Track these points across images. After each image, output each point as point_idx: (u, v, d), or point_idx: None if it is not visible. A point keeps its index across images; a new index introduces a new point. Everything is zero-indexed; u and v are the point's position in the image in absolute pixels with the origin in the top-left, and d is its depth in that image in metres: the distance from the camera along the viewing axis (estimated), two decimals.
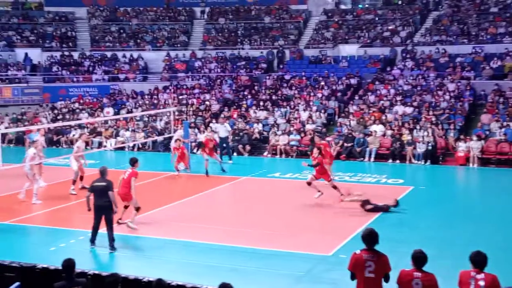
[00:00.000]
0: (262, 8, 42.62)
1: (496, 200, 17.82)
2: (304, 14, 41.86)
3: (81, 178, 18.40)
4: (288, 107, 30.12)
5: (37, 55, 39.12)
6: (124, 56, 39.53)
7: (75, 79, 37.87)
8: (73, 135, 29.25)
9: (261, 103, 30.91)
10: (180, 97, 33.62)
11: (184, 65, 38.16)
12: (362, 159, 24.94)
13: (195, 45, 41.06)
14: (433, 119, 26.15)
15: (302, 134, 26.72)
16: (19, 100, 35.84)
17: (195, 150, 26.45)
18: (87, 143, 27.61)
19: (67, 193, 18.00)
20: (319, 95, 31.01)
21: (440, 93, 28.88)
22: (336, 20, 39.88)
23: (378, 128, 25.82)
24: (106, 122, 30.53)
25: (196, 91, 34.55)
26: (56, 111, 33.94)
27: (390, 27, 37.31)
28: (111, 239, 12.30)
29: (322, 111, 29.10)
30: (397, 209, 15.64)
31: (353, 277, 7.50)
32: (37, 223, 15.33)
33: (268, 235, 13.68)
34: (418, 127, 25.43)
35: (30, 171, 16.81)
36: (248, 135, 27.43)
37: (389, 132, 25.67)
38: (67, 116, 32.42)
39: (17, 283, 7.58)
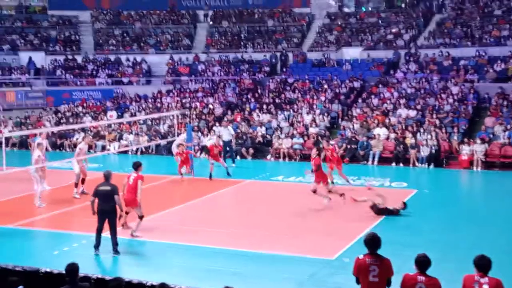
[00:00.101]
0: (265, 12, 42.66)
1: (500, 203, 17.76)
2: (307, 17, 41.89)
3: (83, 181, 18.33)
4: (291, 110, 30.12)
5: (40, 58, 39.19)
6: (127, 59, 39.59)
7: (78, 83, 37.94)
8: (77, 138, 29.29)
9: (264, 107, 30.91)
10: (184, 100, 33.64)
11: (187, 69, 38.19)
12: (365, 162, 24.91)
13: (199, 48, 41.08)
14: (437, 122, 26.11)
15: (306, 138, 26.72)
16: (22, 104, 35.90)
17: (198, 154, 26.51)
18: (90, 147, 27.66)
19: (70, 197, 18.00)
20: (323, 98, 31.00)
21: (443, 96, 28.84)
22: (339, 23, 39.90)
23: (381, 131, 25.79)
24: (109, 125, 30.59)
25: (200, 94, 34.57)
26: (59, 115, 33.99)
27: (393, 30, 37.29)
28: (115, 243, 12.29)
29: (326, 114, 29.08)
30: (401, 212, 15.63)
31: (358, 282, 7.50)
32: (41, 227, 15.32)
33: (271, 238, 13.66)
34: (421, 130, 25.40)
35: (36, 173, 16.82)
36: (252, 139, 27.43)
37: (392, 135, 25.63)
38: (71, 120, 32.47)
39: (20, 287, 7.57)
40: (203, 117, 30.83)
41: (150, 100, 34.84)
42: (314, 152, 17.06)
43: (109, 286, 7.20)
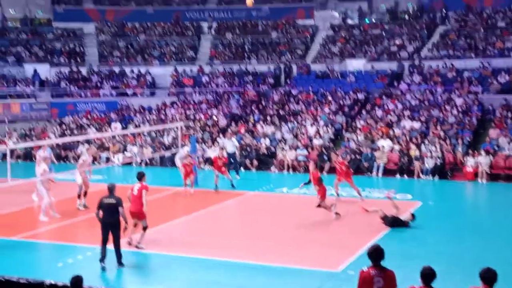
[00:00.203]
0: (269, 24, 42.81)
1: (505, 215, 17.72)
2: (311, 29, 42.01)
3: (85, 193, 18.32)
4: (295, 122, 30.13)
5: (45, 70, 39.34)
6: (132, 71, 39.71)
7: (83, 95, 38.04)
8: (81, 150, 29.30)
9: (268, 118, 30.94)
10: (188, 112, 33.70)
11: (191, 80, 38.28)
12: (370, 174, 24.88)
13: (203, 60, 41.21)
14: (441, 134, 26.07)
15: (310, 149, 26.72)
16: (27, 115, 36.02)
17: (201, 165, 26.51)
18: (94, 158, 27.70)
19: (74, 209, 18.01)
20: (326, 110, 31.01)
21: (448, 107, 28.83)
22: (343, 35, 39.99)
23: (385, 143, 25.77)
24: (113, 137, 30.62)
25: (204, 106, 34.62)
26: (64, 127, 34.07)
27: (397, 42, 37.35)
28: (119, 256, 12.27)
29: (330, 126, 29.09)
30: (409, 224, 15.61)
31: None
32: (45, 239, 15.32)
33: (276, 250, 13.63)
34: (426, 142, 25.36)
35: (42, 187, 16.79)
36: (256, 150, 27.43)
37: (396, 147, 25.60)
38: (75, 132, 32.53)
39: None
40: (207, 128, 30.86)
41: (154, 112, 34.90)
42: (312, 166, 17.05)
43: None
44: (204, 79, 38.18)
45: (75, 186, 18.44)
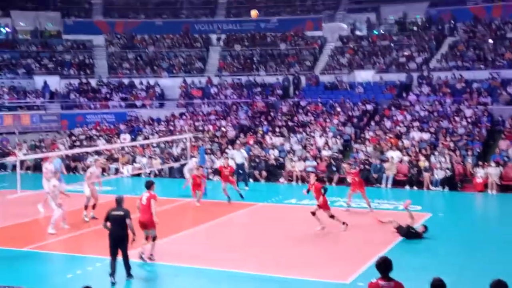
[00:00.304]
0: (278, 35, 42.92)
1: None
2: (320, 41, 42.05)
3: (94, 206, 18.31)
4: (304, 133, 30.12)
5: (55, 82, 39.56)
6: (141, 83, 39.88)
7: (92, 106, 38.22)
8: (90, 161, 29.41)
9: (277, 129, 30.95)
10: (196, 123, 33.78)
11: (200, 92, 38.40)
12: (379, 185, 24.80)
13: (211, 71, 41.33)
14: (451, 145, 25.98)
15: (318, 160, 26.69)
16: (37, 127, 36.20)
17: (211, 176, 26.52)
18: (103, 169, 27.77)
19: (83, 220, 18.03)
20: (335, 121, 31.00)
21: (457, 119, 28.74)
22: (352, 46, 40.03)
23: (395, 154, 25.69)
24: (123, 148, 30.71)
25: (212, 117, 34.70)
26: (73, 138, 34.22)
27: (405, 53, 37.34)
28: (128, 268, 12.21)
29: (338, 137, 29.05)
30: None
31: None
32: (54, 250, 15.34)
33: (285, 262, 13.57)
34: (435, 153, 25.27)
35: (53, 202, 16.79)
36: (265, 161, 27.42)
37: (406, 158, 25.52)
38: (85, 143, 32.65)
39: None
40: (216, 139, 30.91)
41: (163, 123, 35.01)
42: (313, 178, 16.99)
43: None
44: (213, 90, 38.29)
45: (84, 198, 18.47)
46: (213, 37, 44.27)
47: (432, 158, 24.92)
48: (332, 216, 16.38)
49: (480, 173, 23.54)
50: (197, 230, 17.23)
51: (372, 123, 30.54)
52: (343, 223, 16.42)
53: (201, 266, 13.21)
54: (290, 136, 29.93)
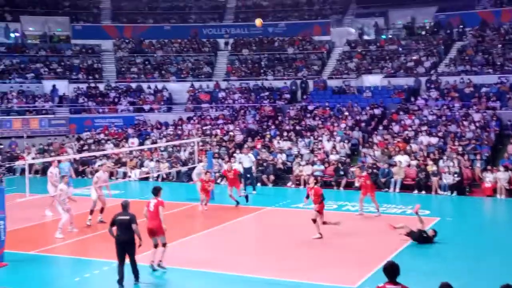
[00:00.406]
0: (286, 40, 42.94)
1: None
2: (328, 45, 42.08)
3: (102, 210, 18.32)
4: (311, 137, 30.09)
5: (64, 86, 39.75)
6: (149, 87, 39.99)
7: (100, 110, 38.35)
8: (99, 165, 29.47)
9: (285, 134, 30.94)
10: (204, 127, 33.82)
11: (208, 96, 38.46)
12: (387, 189, 24.72)
13: (219, 76, 41.41)
14: (459, 149, 25.88)
15: (326, 164, 26.65)
16: (46, 131, 36.33)
17: (218, 181, 26.52)
18: (111, 174, 27.84)
19: (92, 223, 18.06)
20: (343, 125, 30.95)
21: (465, 123, 28.63)
22: (360, 50, 40.01)
23: (403, 159, 25.60)
24: (130, 152, 30.79)
25: (220, 121, 34.74)
26: (81, 142, 34.34)
27: (414, 57, 37.26)
28: (136, 273, 12.15)
29: (346, 141, 29.01)
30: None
31: None
32: (62, 253, 15.35)
33: (292, 266, 13.55)
34: (444, 157, 25.17)
35: (60, 207, 16.81)
36: (272, 166, 27.39)
37: (414, 163, 25.42)
38: (93, 147, 32.76)
39: None
40: (224, 144, 30.92)
41: (171, 127, 35.08)
42: (312, 181, 16.90)
43: None
44: (221, 94, 38.35)
45: (91, 201, 18.49)
46: (221, 41, 44.37)
47: (441, 163, 24.83)
48: (324, 223, 16.28)
49: (488, 177, 23.43)
50: (205, 234, 17.22)
51: (380, 127, 30.47)
52: (319, 233, 16.11)
53: (209, 270, 13.20)
54: (297, 140, 29.91)
